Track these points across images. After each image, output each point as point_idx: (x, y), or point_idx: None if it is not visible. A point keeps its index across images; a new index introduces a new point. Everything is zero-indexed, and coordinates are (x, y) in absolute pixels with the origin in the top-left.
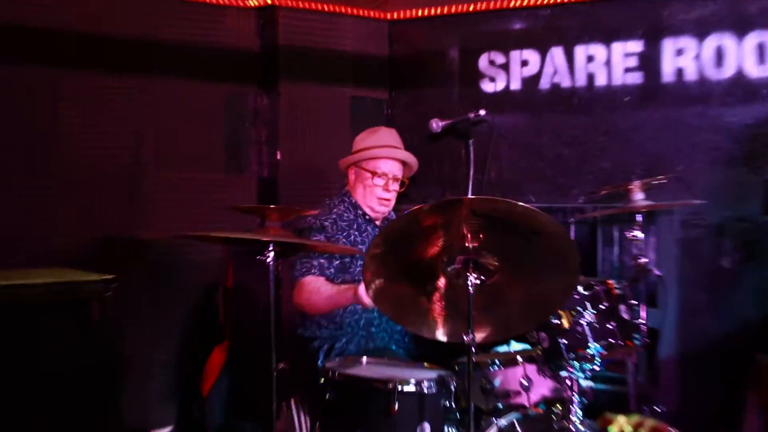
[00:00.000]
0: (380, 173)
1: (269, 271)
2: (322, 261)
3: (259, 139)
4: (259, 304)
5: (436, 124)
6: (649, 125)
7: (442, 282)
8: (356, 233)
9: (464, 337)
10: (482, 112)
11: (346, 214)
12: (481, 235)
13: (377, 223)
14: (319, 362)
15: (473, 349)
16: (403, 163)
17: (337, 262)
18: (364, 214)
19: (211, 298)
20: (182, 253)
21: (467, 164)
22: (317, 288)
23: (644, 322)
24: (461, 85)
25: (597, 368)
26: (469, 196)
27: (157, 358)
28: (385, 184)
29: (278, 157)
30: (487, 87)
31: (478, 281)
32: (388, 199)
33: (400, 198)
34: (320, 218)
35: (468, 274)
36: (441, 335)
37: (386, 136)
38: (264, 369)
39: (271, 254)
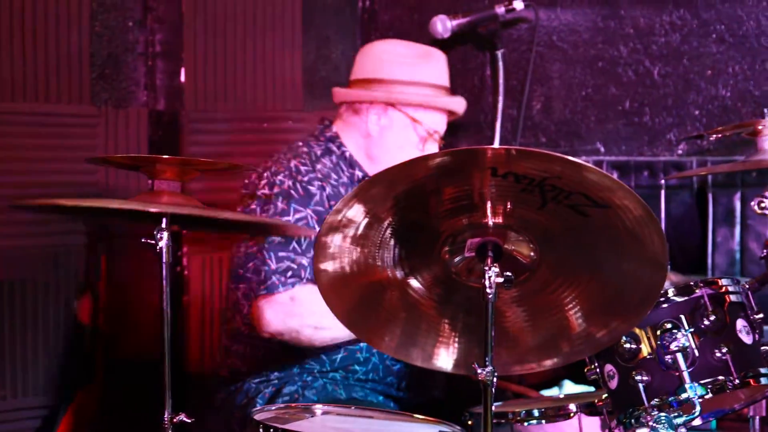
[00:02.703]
0: (431, 131)
1: (162, 264)
2: (312, 257)
3: (151, 48)
4: (149, 319)
5: (443, 25)
6: None
7: (443, 279)
8: None
9: (477, 369)
10: (519, 4)
11: (335, 175)
12: (509, 208)
13: None
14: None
15: (493, 390)
16: (451, 114)
17: None
18: (365, 177)
19: (70, 312)
20: (20, 236)
21: (494, 92)
22: (318, 309)
23: None
24: None
25: (698, 423)
26: (495, 145)
27: None
28: (428, 149)
29: (181, 78)
30: None
31: (501, 279)
32: None
33: None
34: (298, 179)
35: (486, 267)
36: (443, 363)
37: (444, 71)
38: (153, 423)
39: (164, 236)
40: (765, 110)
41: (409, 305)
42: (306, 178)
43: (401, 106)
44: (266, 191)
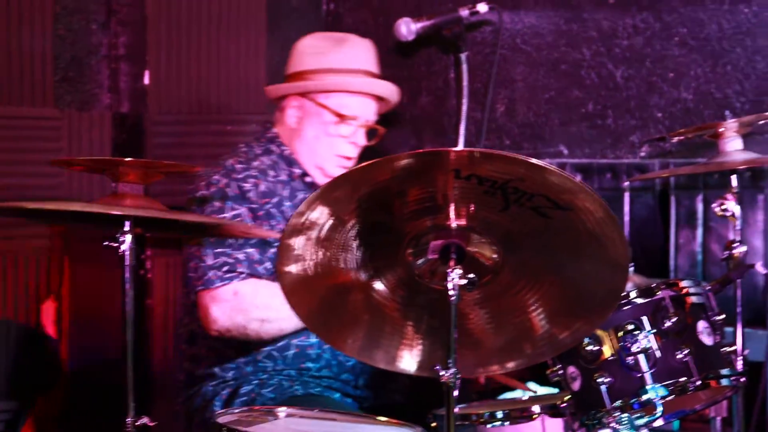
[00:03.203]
0: (349, 116)
1: (125, 267)
2: (249, 251)
3: (114, 51)
4: (114, 323)
5: (407, 28)
6: (757, 28)
7: (407, 281)
8: (289, 204)
9: (440, 371)
10: (483, 7)
11: (272, 172)
12: (472, 210)
13: None
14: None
15: (456, 392)
16: (379, 100)
17: (273, 250)
18: (304, 174)
19: (31, 316)
20: None
21: (458, 94)
22: (261, 303)
23: (740, 350)
24: None
25: (660, 424)
26: (458, 147)
27: None
28: (353, 134)
29: (145, 80)
30: None
31: (464, 281)
32: (352, 158)
33: None
34: (233, 177)
35: (449, 269)
36: (407, 365)
37: (360, 54)
38: (116, 428)
39: (128, 238)
40: (726, 113)
41: (372, 307)
42: (241, 176)
43: (311, 94)
44: (204, 192)
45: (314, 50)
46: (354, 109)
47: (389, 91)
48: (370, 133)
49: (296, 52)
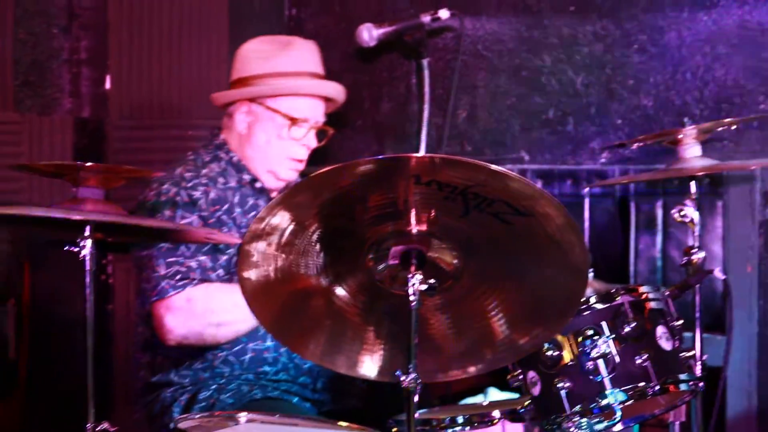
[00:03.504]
0: (300, 119)
1: (86, 272)
2: (202, 259)
3: (76, 55)
4: (74, 328)
5: (369, 34)
6: (716, 36)
7: (368, 286)
8: (239, 211)
9: (401, 376)
10: (445, 13)
11: (222, 179)
12: (433, 216)
13: (273, 196)
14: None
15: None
16: (327, 100)
17: (225, 257)
18: (254, 180)
19: None
20: None
21: (419, 100)
22: (215, 307)
23: (699, 355)
24: None
25: (619, 429)
26: (419, 153)
27: None
28: (304, 136)
29: (107, 85)
30: None
31: (425, 286)
32: (303, 161)
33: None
34: (183, 185)
35: (409, 275)
36: (368, 370)
37: (307, 56)
38: None
39: (88, 244)
40: (685, 119)
41: (333, 313)
42: (190, 184)
43: (260, 99)
44: (154, 200)
45: (260, 55)
46: (305, 112)
47: (337, 91)
48: (320, 134)
49: (241, 57)
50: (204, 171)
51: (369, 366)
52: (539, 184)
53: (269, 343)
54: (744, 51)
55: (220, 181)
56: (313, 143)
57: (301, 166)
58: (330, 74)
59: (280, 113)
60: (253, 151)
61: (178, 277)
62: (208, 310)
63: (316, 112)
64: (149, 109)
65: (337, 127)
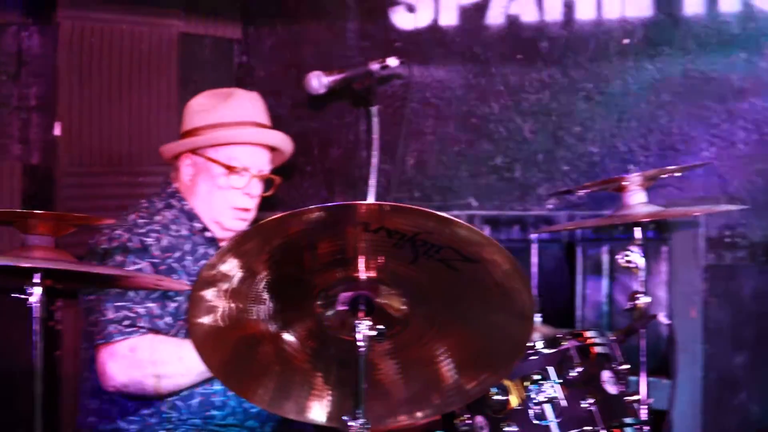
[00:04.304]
0: (240, 168)
1: (34, 319)
2: (150, 305)
3: (25, 102)
4: (21, 376)
5: (319, 81)
6: (660, 84)
7: (317, 332)
8: (190, 259)
9: (349, 422)
10: (394, 62)
11: (174, 227)
12: (381, 262)
13: (223, 245)
14: None
15: None
16: (272, 150)
17: (174, 304)
18: (204, 229)
19: None
20: None
21: (368, 147)
22: (158, 358)
23: (644, 399)
24: (361, 16)
25: None
26: (368, 200)
27: None
28: (246, 185)
29: (56, 131)
30: (403, 20)
31: (373, 332)
32: (249, 210)
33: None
34: (135, 231)
35: (357, 321)
36: (317, 415)
37: (247, 106)
38: None
39: (37, 291)
40: (630, 166)
41: (283, 359)
42: (143, 231)
43: (201, 150)
44: (105, 246)
45: (202, 107)
46: (244, 160)
47: (278, 140)
48: (267, 183)
49: (187, 111)
50: (157, 218)
51: (317, 411)
52: (487, 230)
53: (217, 387)
54: (687, 99)
55: (172, 229)
56: (257, 192)
57: (248, 215)
58: (279, 121)
59: (218, 162)
60: (198, 201)
61: (125, 322)
62: (150, 361)
63: (259, 161)
64: (99, 156)
65: (286, 174)
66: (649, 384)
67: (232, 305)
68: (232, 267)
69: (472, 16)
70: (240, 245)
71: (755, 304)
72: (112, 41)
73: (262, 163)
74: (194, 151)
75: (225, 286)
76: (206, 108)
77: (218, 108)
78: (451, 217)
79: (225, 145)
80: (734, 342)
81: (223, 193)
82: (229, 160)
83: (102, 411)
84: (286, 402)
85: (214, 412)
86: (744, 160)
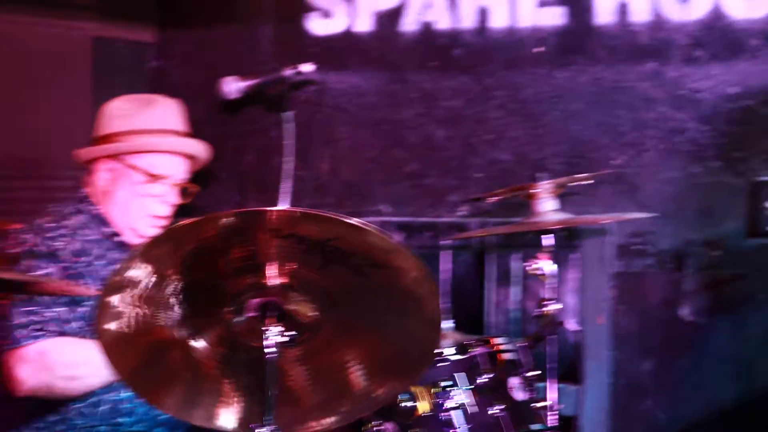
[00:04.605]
0: (160, 175)
1: None
2: (59, 310)
3: None
4: None
5: (233, 86)
6: (571, 93)
7: (227, 339)
8: (100, 264)
9: (257, 429)
10: (308, 67)
11: (84, 231)
12: (292, 268)
13: None
14: None
15: None
16: (190, 158)
17: (83, 309)
18: (115, 234)
19: None
20: None
21: (282, 152)
22: (67, 360)
23: (552, 405)
24: (276, 22)
25: None
26: (281, 206)
27: None
28: (164, 193)
29: None
30: (318, 26)
31: (283, 338)
32: (164, 218)
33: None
34: (43, 236)
35: (266, 327)
36: (225, 422)
37: (169, 114)
38: None
39: None
40: (536, 175)
41: (192, 365)
42: (51, 235)
43: (121, 156)
44: (14, 250)
45: (122, 113)
46: (164, 169)
47: (198, 149)
48: (183, 191)
49: (104, 115)
50: (66, 222)
51: (226, 418)
52: (400, 236)
53: (125, 394)
54: (597, 108)
55: (81, 233)
56: (175, 200)
57: (163, 223)
58: (194, 126)
59: (140, 170)
60: (114, 207)
61: (33, 327)
62: (59, 363)
63: (177, 169)
64: (11, 161)
65: (200, 179)
66: (559, 390)
67: (142, 311)
68: (141, 272)
69: (387, 22)
70: (150, 250)
71: (663, 311)
72: (23, 44)
73: (180, 171)
74: (114, 156)
75: (134, 291)
76: (126, 113)
77: (139, 114)
78: (362, 224)
79: (146, 153)
80: (642, 348)
81: (142, 200)
82: (150, 168)
83: (8, 419)
84: (195, 409)
85: (122, 419)
86: (653, 169)
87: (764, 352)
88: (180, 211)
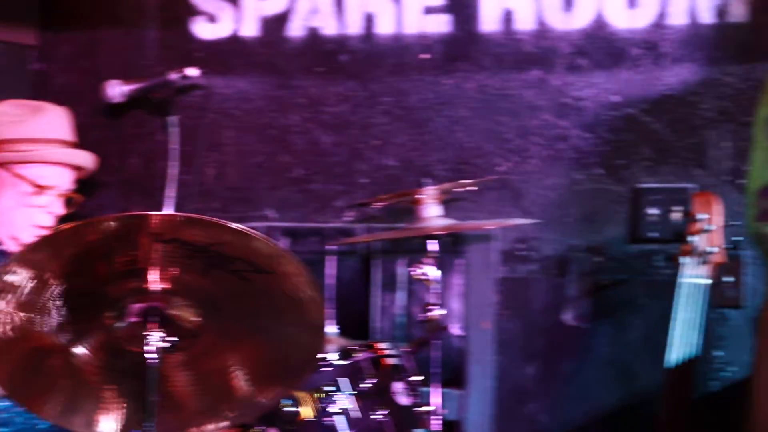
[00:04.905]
0: (46, 186)
1: None
2: None
3: None
4: None
5: (117, 90)
6: (457, 100)
7: (108, 344)
8: None
9: None
10: (193, 72)
11: None
12: (174, 273)
13: None
14: None
15: None
16: (77, 168)
17: None
18: None
19: None
20: None
21: (167, 157)
22: None
23: (436, 409)
24: (161, 25)
25: None
26: (164, 210)
27: None
28: (49, 204)
29: None
30: (204, 30)
31: (165, 344)
32: (47, 228)
33: None
34: None
35: (147, 333)
36: (106, 429)
37: (57, 123)
38: None
39: None
40: (426, 180)
41: (72, 371)
42: None
43: (8, 165)
44: None
45: (8, 118)
46: (52, 179)
47: (86, 160)
48: (68, 201)
49: None
50: None
51: (107, 425)
52: (286, 242)
53: (2, 403)
54: (483, 114)
55: None
56: (60, 210)
57: (46, 233)
58: (78, 129)
59: (27, 180)
60: None
61: None
62: None
63: (64, 180)
64: None
65: (85, 188)
66: (443, 395)
67: (20, 317)
68: (20, 277)
69: (274, 27)
70: (29, 255)
71: (546, 317)
72: None
73: (66, 181)
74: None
75: (12, 297)
76: (13, 120)
77: (27, 122)
78: (245, 229)
79: (34, 163)
80: (525, 353)
81: (26, 210)
82: (37, 179)
83: None
84: (75, 416)
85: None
86: (537, 175)
87: (644, 355)
88: (63, 221)
